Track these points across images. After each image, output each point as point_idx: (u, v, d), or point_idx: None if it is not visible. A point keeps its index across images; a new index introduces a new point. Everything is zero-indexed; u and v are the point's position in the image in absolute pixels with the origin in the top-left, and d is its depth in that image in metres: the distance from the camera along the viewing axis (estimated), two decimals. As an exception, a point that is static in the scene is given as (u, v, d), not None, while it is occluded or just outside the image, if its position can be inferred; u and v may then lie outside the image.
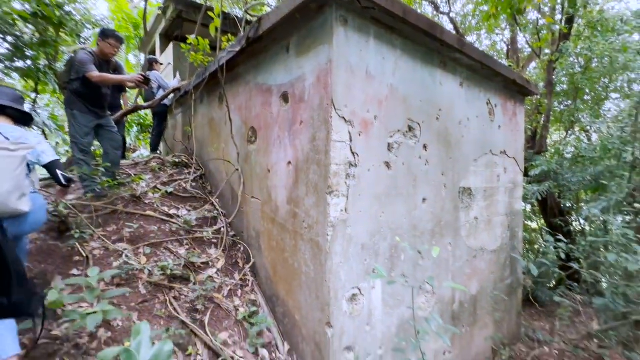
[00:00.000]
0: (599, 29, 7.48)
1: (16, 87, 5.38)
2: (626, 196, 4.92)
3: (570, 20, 7.31)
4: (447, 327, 2.01)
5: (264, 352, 1.92)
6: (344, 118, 1.76)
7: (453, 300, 2.70)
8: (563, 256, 3.91)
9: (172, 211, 2.70)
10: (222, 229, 2.64)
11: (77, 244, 2.15)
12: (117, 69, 2.87)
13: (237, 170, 2.62)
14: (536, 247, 8.04)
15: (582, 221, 6.26)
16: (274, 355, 1.95)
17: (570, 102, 7.94)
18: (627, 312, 3.13)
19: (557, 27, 7.08)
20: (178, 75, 4.41)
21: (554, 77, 7.43)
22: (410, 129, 2.22)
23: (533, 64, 9.03)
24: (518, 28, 7.63)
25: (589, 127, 8.30)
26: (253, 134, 2.51)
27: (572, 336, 3.81)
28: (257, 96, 2.40)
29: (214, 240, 2.60)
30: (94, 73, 2.49)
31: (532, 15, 8.05)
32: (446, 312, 2.60)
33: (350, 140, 1.81)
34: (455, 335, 2.70)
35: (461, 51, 2.41)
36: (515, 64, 7.97)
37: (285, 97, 2.10)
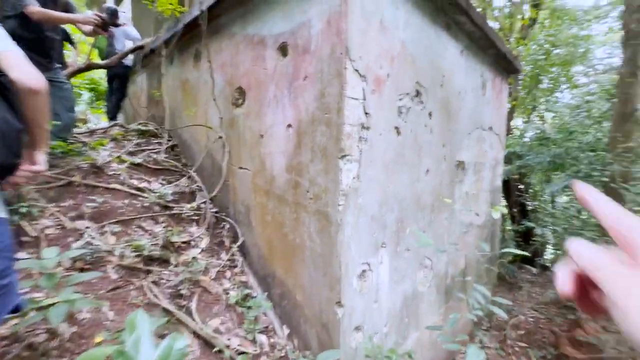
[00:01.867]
0: (563, 18, 7.80)
1: None
2: (584, 176, 5.26)
3: (536, 6, 7.56)
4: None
5: (261, 337, 1.72)
6: (358, 71, 1.54)
7: (446, 275, 2.67)
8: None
9: (143, 184, 2.33)
10: (203, 205, 2.33)
11: (23, 221, 1.74)
12: (68, 8, 2.31)
13: (220, 137, 2.30)
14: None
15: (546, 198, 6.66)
16: (272, 340, 1.75)
17: (531, 89, 8.30)
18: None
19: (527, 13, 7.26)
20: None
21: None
22: (418, 93, 2.06)
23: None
24: (488, 10, 7.73)
25: (544, 115, 8.83)
26: (240, 96, 2.19)
27: (538, 306, 4.06)
28: (246, 50, 2.08)
29: (195, 218, 2.29)
30: (35, 8, 1.97)
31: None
32: (441, 287, 2.56)
33: (364, 99, 1.59)
34: (447, 308, 2.69)
35: (467, 13, 2.26)
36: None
37: (283, 49, 1.81)
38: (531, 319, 3.44)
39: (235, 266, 2.10)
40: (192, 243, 2.07)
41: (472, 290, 1.94)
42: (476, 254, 3.29)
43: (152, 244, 1.86)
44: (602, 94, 6.18)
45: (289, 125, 1.77)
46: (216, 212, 2.38)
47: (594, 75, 8.89)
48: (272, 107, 1.89)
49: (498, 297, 1.98)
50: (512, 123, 7.89)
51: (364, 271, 1.70)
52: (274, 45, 1.85)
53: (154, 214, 2.10)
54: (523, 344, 3.07)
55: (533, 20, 7.43)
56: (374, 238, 1.75)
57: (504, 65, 3.47)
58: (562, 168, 6.01)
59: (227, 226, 2.29)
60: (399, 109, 1.88)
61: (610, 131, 3.78)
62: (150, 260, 1.83)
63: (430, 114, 2.19)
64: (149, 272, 1.77)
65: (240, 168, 2.19)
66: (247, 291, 1.94)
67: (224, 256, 2.09)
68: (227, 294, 1.89)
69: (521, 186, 7.12)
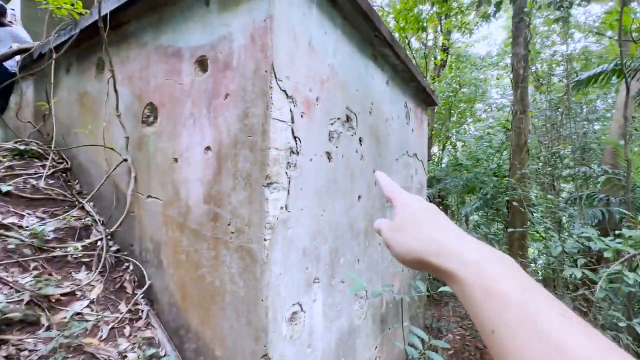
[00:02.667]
0: (465, 62, 9.16)
1: None
2: (490, 198, 5.97)
3: (445, 50, 8.75)
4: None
5: (168, 411, 1.36)
6: (285, 92, 1.41)
7: (382, 303, 2.61)
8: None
9: (9, 220, 1.79)
10: (100, 242, 1.89)
11: None
12: None
13: (125, 160, 1.93)
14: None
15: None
16: (183, 412, 1.40)
17: (445, 121, 9.40)
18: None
19: (438, 56, 8.33)
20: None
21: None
22: (348, 119, 2.03)
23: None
24: (411, 51, 8.67)
25: (456, 144, 10.06)
26: (152, 113, 1.89)
27: (463, 322, 4.30)
28: (159, 62, 1.82)
29: (86, 260, 1.83)
30: None
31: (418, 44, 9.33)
32: (377, 316, 2.48)
33: (292, 122, 1.47)
34: (384, 337, 2.61)
35: (391, 46, 2.37)
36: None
37: (202, 64, 1.61)
38: (458, 337, 3.58)
39: (139, 318, 1.70)
40: (78, 294, 1.62)
41: (407, 315, 1.88)
42: (408, 276, 3.34)
43: (12, 302, 1.38)
44: (499, 127, 7.27)
45: (208, 148, 1.54)
46: (117, 251, 1.95)
47: (490, 111, 10.51)
48: (188, 127, 1.64)
49: (428, 315, 1.95)
50: (431, 151, 8.75)
51: (294, 313, 1.50)
52: (191, 59, 1.64)
53: (21, 259, 1.60)
54: (453, 363, 3.14)
55: (444, 62, 8.55)
56: (306, 274, 1.58)
57: (423, 97, 3.78)
58: (473, 191, 6.76)
59: (131, 268, 1.88)
60: (329, 134, 1.80)
61: (509, 159, 4.37)
62: (6, 325, 1.34)
63: (360, 140, 2.18)
64: (2, 342, 1.29)
65: (149, 197, 1.84)
66: (152, 351, 1.56)
67: (123, 307, 1.68)
68: (125, 357, 1.49)
69: (441, 207, 7.80)
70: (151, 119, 1.89)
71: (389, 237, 0.43)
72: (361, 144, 2.20)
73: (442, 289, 1.38)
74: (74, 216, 2.02)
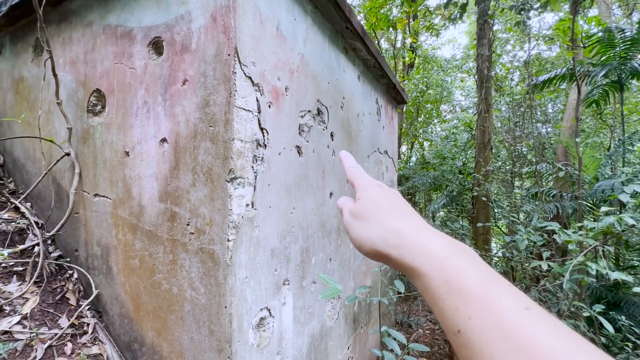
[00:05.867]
0: (432, 64, 9.44)
1: None
2: (456, 195, 6.18)
3: (413, 51, 8.96)
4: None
5: None
6: (251, 78, 1.30)
7: (354, 303, 2.56)
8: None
9: None
10: (37, 248, 1.65)
11: None
12: None
13: (68, 154, 1.71)
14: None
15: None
16: None
17: (413, 120, 9.64)
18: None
19: (407, 56, 8.49)
20: None
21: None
22: (319, 112, 1.95)
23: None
24: (381, 50, 8.79)
25: (423, 143, 10.37)
26: (99, 101, 1.68)
27: (432, 316, 4.40)
28: (107, 44, 1.61)
29: (19, 268, 1.59)
30: None
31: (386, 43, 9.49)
32: (349, 316, 2.43)
33: (259, 112, 1.36)
34: (356, 336, 2.57)
35: (362, 40, 2.32)
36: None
37: (157, 46, 1.44)
38: (428, 332, 3.64)
39: (84, 333, 1.50)
40: (7, 309, 1.39)
41: (375, 311, 1.84)
42: (379, 274, 3.33)
43: None
44: (463, 126, 7.57)
45: (164, 140, 1.38)
46: (58, 258, 1.72)
47: (455, 112, 10.95)
48: (141, 117, 1.46)
49: (398, 310, 1.92)
50: (400, 150, 8.93)
51: (262, 319, 1.39)
52: (144, 41, 1.47)
53: None
54: (423, 359, 3.18)
55: (412, 62, 8.75)
56: (275, 276, 1.47)
57: (394, 95, 3.79)
58: (440, 188, 6.98)
59: (75, 276, 1.67)
60: (300, 127, 1.71)
61: (474, 158, 4.53)
62: None
63: (332, 135, 2.11)
64: None
65: (97, 196, 1.64)
66: (98, 369, 1.38)
67: (65, 321, 1.47)
68: (65, 379, 1.30)
69: (410, 205, 7.99)
70: (98, 107, 1.68)
71: (348, 222, 0.41)
72: (332, 139, 2.13)
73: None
74: (5, 219, 1.76)
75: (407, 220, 0.35)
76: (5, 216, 1.77)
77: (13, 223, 1.75)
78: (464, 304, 0.26)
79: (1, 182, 2.05)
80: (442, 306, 0.27)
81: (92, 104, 1.69)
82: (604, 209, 1.50)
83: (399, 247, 0.33)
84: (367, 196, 0.41)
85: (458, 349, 0.26)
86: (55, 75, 1.65)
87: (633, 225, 1.31)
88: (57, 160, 1.72)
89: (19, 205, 1.79)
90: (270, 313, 1.43)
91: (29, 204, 1.94)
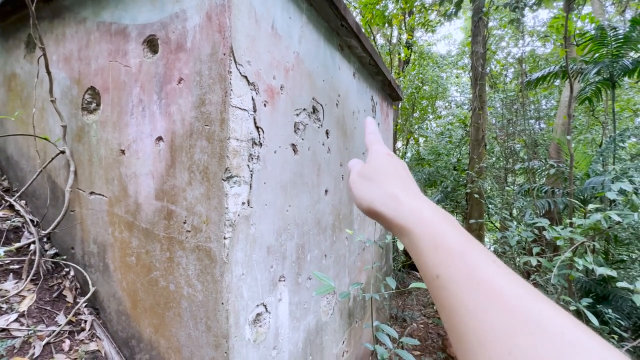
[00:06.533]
0: (427, 60, 9.44)
1: None
2: (451, 191, 6.24)
3: (409, 47, 8.96)
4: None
5: None
6: (246, 78, 1.31)
7: (349, 298, 2.60)
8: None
9: None
10: (33, 246, 1.65)
11: None
12: None
13: (63, 152, 1.70)
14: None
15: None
16: None
17: (408, 116, 9.66)
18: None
19: (402, 52, 8.48)
20: None
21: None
22: (315, 110, 1.96)
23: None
24: (377, 46, 8.77)
25: (418, 139, 10.41)
26: (93, 99, 1.68)
27: (426, 310, 4.47)
28: (102, 41, 1.61)
29: (15, 266, 1.59)
30: None
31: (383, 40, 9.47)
32: (344, 311, 2.47)
33: (254, 110, 1.37)
34: (351, 331, 2.61)
35: (357, 37, 2.33)
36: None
37: (152, 44, 1.44)
38: (422, 326, 3.71)
39: (81, 330, 1.51)
40: (4, 307, 1.40)
41: (369, 305, 1.87)
42: (374, 269, 3.38)
43: None
44: (458, 123, 7.62)
45: (160, 139, 1.39)
46: (54, 256, 1.72)
47: (450, 108, 10.98)
48: (136, 115, 1.47)
49: (393, 305, 1.96)
50: (395, 146, 8.96)
51: (258, 315, 1.42)
52: (138, 38, 1.47)
53: None
54: (417, 352, 3.24)
55: (408, 59, 8.75)
56: (271, 273, 1.49)
57: (389, 91, 3.81)
58: (435, 184, 7.03)
59: (72, 274, 1.67)
60: (295, 125, 1.72)
61: (468, 154, 4.57)
62: None
63: (327, 132, 2.12)
64: None
65: (93, 194, 1.64)
66: (97, 365, 1.39)
67: (62, 318, 1.48)
68: (63, 375, 1.31)
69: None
70: (93, 105, 1.67)
71: (354, 181, 0.45)
72: (328, 137, 2.14)
73: (412, 285, 1.37)
74: (1, 217, 1.75)
75: (405, 188, 0.40)
76: (0, 214, 1.77)
77: (8, 221, 1.75)
78: (445, 256, 0.31)
79: (-5, 179, 2.04)
80: (425, 258, 0.33)
81: (86, 102, 1.69)
82: (591, 206, 1.54)
83: (397, 211, 0.38)
84: (376, 161, 0.45)
85: (435, 292, 0.31)
86: (49, 72, 1.64)
87: (619, 222, 1.35)
88: (52, 158, 1.72)
89: (14, 202, 1.78)
90: (266, 309, 1.46)
91: (24, 201, 1.94)
